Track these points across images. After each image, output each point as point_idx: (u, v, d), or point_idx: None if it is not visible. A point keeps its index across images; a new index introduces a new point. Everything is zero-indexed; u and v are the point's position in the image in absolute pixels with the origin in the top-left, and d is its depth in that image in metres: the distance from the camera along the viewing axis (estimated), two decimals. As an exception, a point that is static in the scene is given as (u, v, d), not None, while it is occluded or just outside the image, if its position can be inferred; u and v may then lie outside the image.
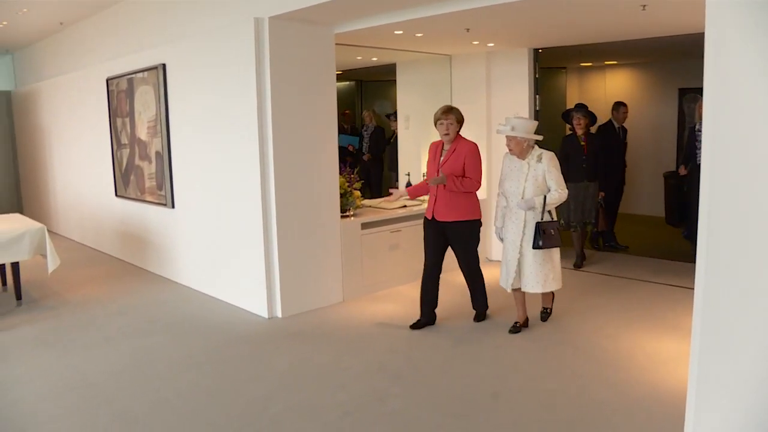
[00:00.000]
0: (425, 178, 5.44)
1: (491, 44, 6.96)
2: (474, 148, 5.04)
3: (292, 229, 5.65)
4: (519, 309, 5.17)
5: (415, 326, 5.26)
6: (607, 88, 10.85)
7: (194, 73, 6.30)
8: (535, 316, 5.40)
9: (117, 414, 3.87)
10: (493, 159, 7.40)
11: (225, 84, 5.84)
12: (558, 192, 4.82)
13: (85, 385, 4.30)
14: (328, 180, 5.89)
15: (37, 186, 11.35)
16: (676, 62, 9.91)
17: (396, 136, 8.81)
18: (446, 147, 5.12)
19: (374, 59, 8.27)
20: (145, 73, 7.08)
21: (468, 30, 5.94)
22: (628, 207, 9.84)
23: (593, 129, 7.33)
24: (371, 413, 3.80)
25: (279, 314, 5.67)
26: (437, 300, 5.33)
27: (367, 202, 7.08)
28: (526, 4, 4.83)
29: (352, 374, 4.38)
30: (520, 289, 5.06)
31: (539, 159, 4.84)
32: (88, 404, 4.00)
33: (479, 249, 5.33)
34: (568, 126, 7.32)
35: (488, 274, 5.77)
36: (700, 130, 6.17)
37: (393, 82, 8.75)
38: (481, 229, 5.25)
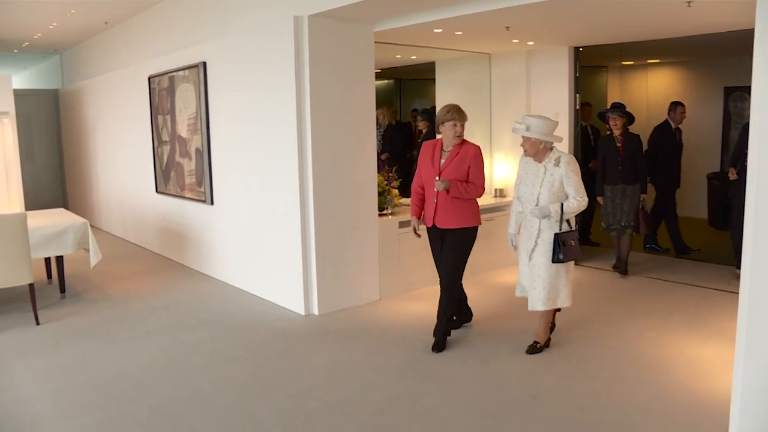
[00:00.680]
0: (415, 184, 4.92)
1: (531, 42, 6.89)
2: (479, 151, 4.67)
3: (330, 227, 5.67)
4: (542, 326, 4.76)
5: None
6: (649, 88, 10.64)
7: (234, 71, 6.37)
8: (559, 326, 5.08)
9: (155, 407, 3.93)
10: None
11: (264, 82, 5.89)
12: (576, 200, 4.35)
13: (124, 378, 4.38)
14: (366, 178, 5.90)
15: (81, 182, 11.62)
16: (721, 60, 9.67)
17: (424, 135, 8.70)
18: (446, 149, 4.70)
19: (413, 57, 8.25)
20: (186, 70, 7.19)
21: (508, 28, 5.89)
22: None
23: (633, 129, 7.16)
24: (406, 411, 3.79)
25: (315, 311, 5.70)
26: (467, 305, 5.15)
27: (405, 200, 7.05)
28: (568, 2, 4.76)
29: (387, 372, 4.38)
30: None
31: (557, 162, 4.39)
32: (128, 397, 4.08)
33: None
34: (606, 126, 7.18)
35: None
36: None
37: (432, 81, 8.71)
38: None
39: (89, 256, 6.20)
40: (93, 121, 10.62)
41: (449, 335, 4.89)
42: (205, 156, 6.97)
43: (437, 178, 4.62)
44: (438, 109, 4.59)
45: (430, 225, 4.78)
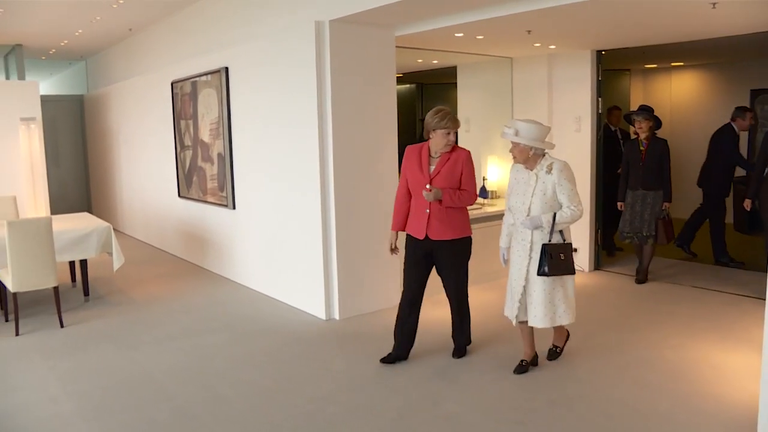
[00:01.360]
0: (400, 193, 4.62)
1: (553, 46, 6.84)
2: (469, 155, 4.41)
3: (351, 231, 5.67)
4: (525, 344, 4.48)
5: (386, 360, 4.64)
6: (673, 91, 10.52)
7: (256, 76, 6.41)
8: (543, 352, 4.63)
9: (176, 410, 3.96)
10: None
11: (286, 87, 5.92)
12: (570, 209, 4.06)
13: (147, 381, 4.42)
14: (387, 182, 5.89)
15: (105, 186, 11.76)
16: (747, 62, 9.54)
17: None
18: (435, 155, 4.40)
19: (435, 62, 8.24)
20: (209, 76, 7.24)
21: (529, 32, 5.85)
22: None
23: (659, 134, 7.07)
24: (426, 416, 3.77)
25: (336, 316, 5.70)
26: (415, 335, 4.69)
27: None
28: (590, 5, 4.72)
29: (407, 377, 4.37)
30: (526, 322, 4.32)
31: (549, 170, 4.09)
32: (149, 399, 4.11)
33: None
34: (632, 129, 7.08)
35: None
36: None
37: (454, 85, 8.70)
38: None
39: (112, 260, 6.27)
40: (117, 126, 10.75)
41: (470, 342, 4.84)
42: (227, 160, 7.02)
43: (428, 186, 4.33)
44: (437, 113, 4.32)
45: (421, 237, 4.41)
